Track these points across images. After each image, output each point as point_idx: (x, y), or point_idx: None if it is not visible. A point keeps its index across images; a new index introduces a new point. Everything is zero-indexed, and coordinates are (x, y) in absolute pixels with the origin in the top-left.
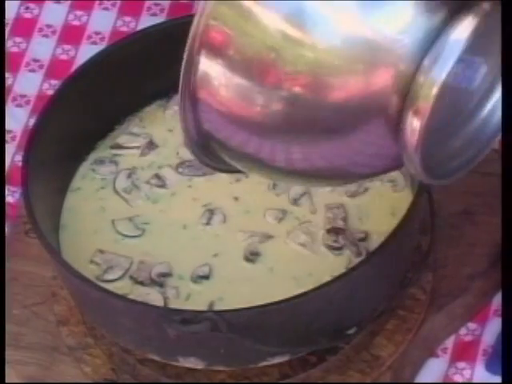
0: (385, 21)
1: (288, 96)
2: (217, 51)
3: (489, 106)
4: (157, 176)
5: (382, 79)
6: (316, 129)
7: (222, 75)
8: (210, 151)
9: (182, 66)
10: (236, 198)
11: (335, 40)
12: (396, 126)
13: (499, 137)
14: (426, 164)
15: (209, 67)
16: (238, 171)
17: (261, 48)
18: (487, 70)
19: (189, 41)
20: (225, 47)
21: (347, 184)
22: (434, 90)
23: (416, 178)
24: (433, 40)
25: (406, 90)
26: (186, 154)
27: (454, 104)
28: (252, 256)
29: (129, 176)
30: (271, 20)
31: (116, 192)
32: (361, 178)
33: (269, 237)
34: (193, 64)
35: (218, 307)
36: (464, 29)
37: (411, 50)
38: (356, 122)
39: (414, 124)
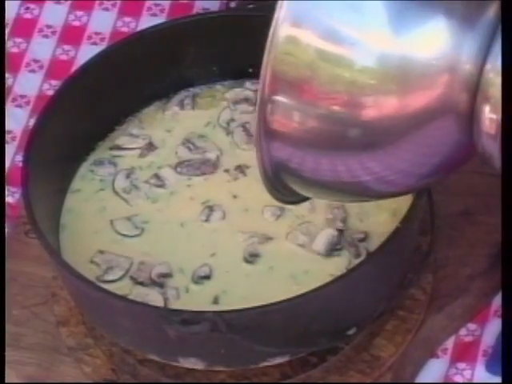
0: (418, 45)
1: (325, 114)
2: (282, 90)
3: None
4: (156, 176)
5: (419, 102)
6: (352, 146)
7: (288, 111)
8: (282, 184)
9: (257, 106)
10: (235, 196)
11: (369, 61)
12: (465, 120)
13: None
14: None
15: (279, 108)
16: (308, 199)
17: (301, 68)
18: None
19: (261, 86)
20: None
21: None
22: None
23: (490, 165)
24: (486, 47)
25: (473, 83)
26: (185, 154)
27: None
28: (251, 257)
29: (127, 176)
30: (312, 46)
31: (115, 192)
32: (383, 196)
33: (268, 238)
34: (268, 103)
35: (218, 307)
36: None
37: (461, 73)
38: (398, 141)
39: (491, 116)
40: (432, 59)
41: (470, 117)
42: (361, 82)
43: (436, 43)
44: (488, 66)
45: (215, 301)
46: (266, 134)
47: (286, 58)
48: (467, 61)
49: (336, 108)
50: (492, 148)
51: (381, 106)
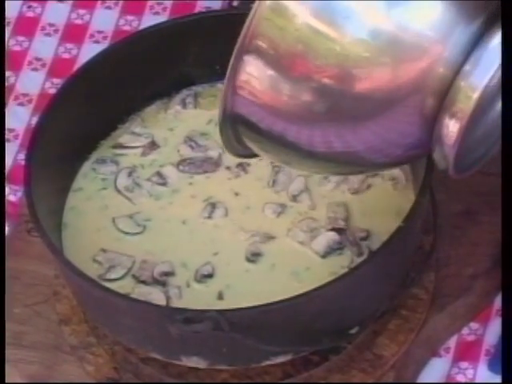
0: (411, 17)
1: (319, 87)
2: (260, 50)
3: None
4: (158, 174)
5: (409, 74)
6: (344, 116)
7: (261, 71)
8: (235, 133)
9: (232, 61)
10: (236, 194)
11: (363, 34)
12: (428, 119)
13: None
14: (456, 159)
15: (253, 65)
16: (254, 156)
17: (293, 43)
18: None
19: (240, 39)
20: (265, 45)
21: (363, 173)
22: (475, 95)
23: (442, 171)
24: (472, 46)
25: (444, 91)
26: (187, 152)
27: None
28: (253, 257)
29: (129, 174)
30: (303, 16)
31: (118, 191)
32: (384, 165)
33: (270, 237)
34: (241, 61)
35: (222, 302)
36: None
37: (449, 52)
38: (384, 111)
39: (451, 125)
40: (425, 29)
41: (433, 121)
42: (354, 54)
43: (430, 16)
44: (464, 70)
45: (220, 296)
46: (233, 89)
47: (274, 30)
48: (450, 53)
49: (327, 81)
50: (446, 152)
51: (373, 78)
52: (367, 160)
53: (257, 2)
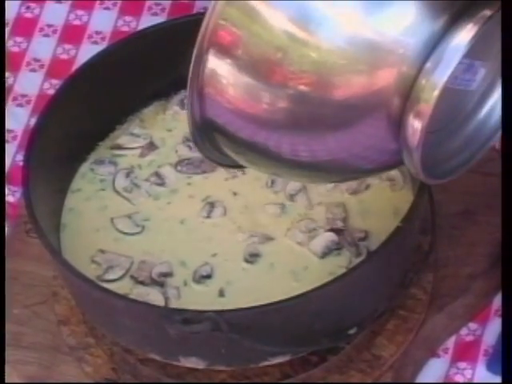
0: (387, 23)
1: (293, 94)
2: (225, 50)
3: (487, 107)
4: (156, 174)
5: (384, 79)
6: (319, 124)
7: (229, 73)
8: (212, 142)
9: (192, 62)
10: (234, 194)
11: (339, 40)
12: (397, 124)
13: (498, 137)
14: (425, 163)
15: (217, 65)
16: (238, 166)
17: (267, 48)
18: (486, 72)
19: (198, 39)
20: (233, 47)
21: (347, 181)
22: (435, 93)
23: (415, 176)
24: (435, 44)
25: (408, 92)
26: (185, 152)
27: (454, 105)
28: (252, 257)
29: (127, 175)
30: (277, 21)
31: (116, 192)
32: (362, 173)
33: (268, 238)
34: (201, 61)
35: (220, 303)
36: (465, 34)
37: (413, 53)
38: (358, 119)
39: (415, 125)
40: (400, 35)
41: (399, 124)
42: (331, 62)
43: (404, 20)
44: (426, 68)
45: (221, 294)
46: (200, 94)
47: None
48: (414, 51)
49: (302, 88)
50: (412, 154)
51: (350, 85)
52: (353, 167)
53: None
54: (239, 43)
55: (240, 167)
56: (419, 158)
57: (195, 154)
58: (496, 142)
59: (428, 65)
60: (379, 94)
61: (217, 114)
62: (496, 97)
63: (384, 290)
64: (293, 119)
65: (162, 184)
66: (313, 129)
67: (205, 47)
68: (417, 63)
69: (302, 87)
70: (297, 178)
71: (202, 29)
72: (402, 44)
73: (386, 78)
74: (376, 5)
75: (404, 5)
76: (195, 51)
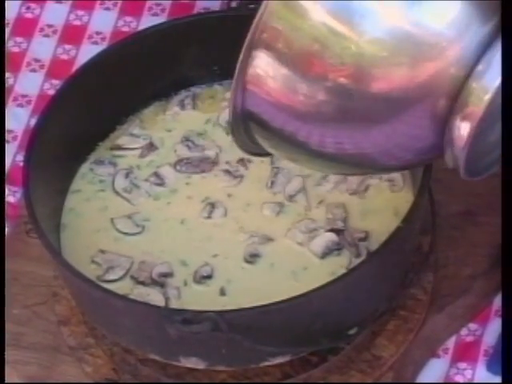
0: (429, 16)
1: (333, 86)
2: (270, 46)
3: None
4: (155, 174)
5: (427, 74)
6: (357, 117)
7: (273, 68)
8: (247, 132)
9: (241, 56)
10: (235, 195)
11: (379, 32)
12: (441, 124)
13: None
14: (468, 162)
15: (263, 60)
16: (267, 154)
17: (308, 41)
18: None
19: (249, 35)
20: (277, 41)
21: (371, 174)
22: (487, 97)
23: (457, 170)
24: (485, 47)
25: (456, 93)
26: (184, 152)
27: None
28: (252, 258)
29: (127, 176)
30: (318, 13)
31: (116, 193)
32: (394, 168)
33: (269, 239)
34: (250, 56)
35: (221, 302)
36: None
37: (460, 52)
38: (398, 114)
39: (463, 127)
40: (443, 28)
41: (444, 122)
42: (370, 54)
43: (447, 15)
44: (476, 71)
45: (222, 293)
46: (244, 87)
47: (286, 26)
48: (463, 53)
49: (342, 80)
50: (457, 155)
51: (389, 78)
52: (377, 163)
53: None
54: (282, 37)
55: (268, 155)
56: (465, 159)
57: (194, 154)
58: None
59: (479, 67)
60: (422, 90)
61: (258, 107)
62: None
63: (384, 290)
64: (332, 112)
65: (161, 184)
66: (348, 122)
67: (254, 43)
68: (465, 64)
69: (342, 80)
70: (315, 167)
71: (253, 26)
72: (445, 38)
73: (429, 72)
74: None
75: (456, 5)
76: (245, 46)
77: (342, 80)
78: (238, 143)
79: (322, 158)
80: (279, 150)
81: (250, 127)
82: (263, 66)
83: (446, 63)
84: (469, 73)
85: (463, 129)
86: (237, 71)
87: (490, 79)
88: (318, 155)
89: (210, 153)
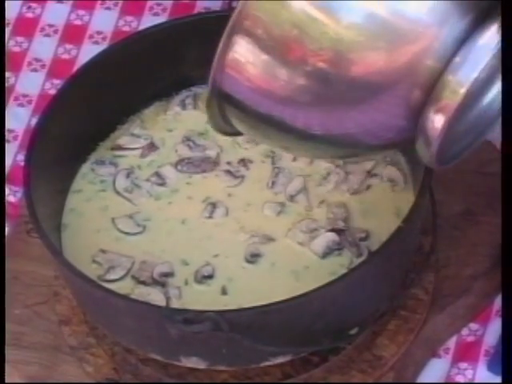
0: (407, 3)
1: (312, 71)
2: (250, 32)
3: (490, 95)
4: (157, 174)
5: (403, 59)
6: (335, 101)
7: (252, 53)
8: (222, 112)
9: (222, 41)
10: (235, 195)
11: (357, 18)
12: (416, 111)
13: (499, 138)
14: (439, 151)
15: (242, 46)
16: (239, 134)
17: (287, 27)
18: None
19: (229, 22)
20: (256, 28)
21: (350, 157)
22: (462, 90)
23: (424, 162)
24: (463, 40)
25: (431, 84)
26: (185, 152)
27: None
28: (253, 258)
29: (128, 176)
30: (298, 1)
31: (117, 193)
32: (368, 149)
33: (270, 239)
34: (230, 42)
35: (221, 304)
36: (495, 34)
37: (439, 44)
38: (375, 97)
39: (436, 120)
40: (420, 14)
41: (418, 111)
42: (348, 39)
43: (426, 4)
44: (453, 64)
45: (223, 292)
46: (223, 73)
47: (267, 13)
48: (440, 44)
49: (320, 65)
50: (429, 144)
51: (366, 63)
52: (361, 142)
53: None
54: (262, 24)
55: (240, 135)
56: (436, 149)
57: (195, 154)
58: (497, 142)
59: (456, 60)
60: (398, 77)
61: (236, 90)
62: (498, 86)
63: (385, 290)
64: (311, 96)
65: (162, 184)
66: (326, 104)
67: (235, 29)
68: (441, 56)
69: (321, 64)
70: (303, 152)
71: (236, 13)
72: (422, 24)
73: (405, 58)
74: None
75: None
76: (226, 31)
77: (321, 64)
78: (211, 121)
79: (304, 141)
80: (254, 132)
81: (225, 108)
82: (243, 52)
83: (423, 51)
84: (445, 65)
85: (437, 121)
86: (217, 55)
87: (466, 73)
88: (295, 137)
89: (211, 153)
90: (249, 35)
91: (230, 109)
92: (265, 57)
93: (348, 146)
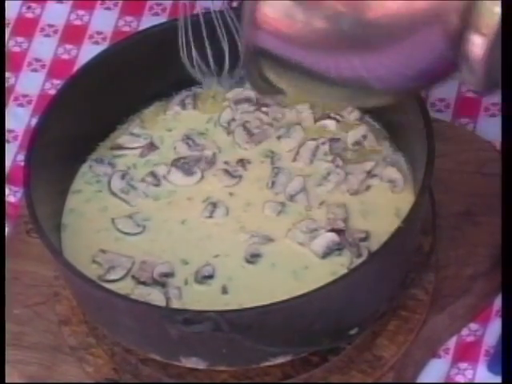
0: None
1: (332, 14)
2: None
3: None
4: (152, 174)
5: None
6: (365, 43)
7: (280, 3)
8: (259, 70)
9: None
10: (235, 194)
11: None
12: (453, 39)
13: (499, 138)
14: (486, 74)
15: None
16: (279, 92)
17: None
18: None
19: None
20: None
21: (384, 102)
22: (498, 9)
23: (476, 88)
24: None
25: (467, 7)
26: (183, 150)
27: None
28: (253, 258)
29: (123, 177)
30: None
31: (113, 194)
32: (404, 91)
33: (269, 239)
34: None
35: (221, 304)
36: None
37: None
38: (413, 33)
39: (479, 41)
40: None
41: (458, 39)
42: None
43: None
44: None
45: (224, 291)
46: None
47: None
48: None
49: (340, 8)
50: (474, 68)
51: (385, 6)
52: (401, 84)
53: None
54: None
55: (281, 93)
56: (483, 70)
57: (193, 153)
58: (497, 142)
59: None
60: (433, 8)
61: (271, 44)
62: None
63: (385, 290)
64: (336, 38)
65: (157, 184)
66: (357, 48)
67: None
68: None
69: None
70: (336, 98)
71: None
72: None
73: None
74: None
75: None
76: None
77: (340, 7)
78: (250, 81)
79: (340, 87)
80: (293, 84)
81: (262, 65)
82: (272, 3)
83: None
84: None
85: (480, 42)
86: (247, 12)
87: None
88: (331, 82)
89: (208, 152)
90: None
91: (267, 64)
92: (293, 6)
93: (388, 92)
